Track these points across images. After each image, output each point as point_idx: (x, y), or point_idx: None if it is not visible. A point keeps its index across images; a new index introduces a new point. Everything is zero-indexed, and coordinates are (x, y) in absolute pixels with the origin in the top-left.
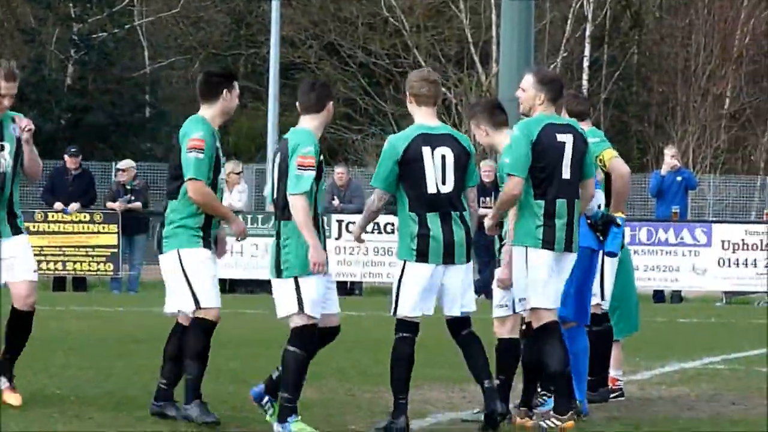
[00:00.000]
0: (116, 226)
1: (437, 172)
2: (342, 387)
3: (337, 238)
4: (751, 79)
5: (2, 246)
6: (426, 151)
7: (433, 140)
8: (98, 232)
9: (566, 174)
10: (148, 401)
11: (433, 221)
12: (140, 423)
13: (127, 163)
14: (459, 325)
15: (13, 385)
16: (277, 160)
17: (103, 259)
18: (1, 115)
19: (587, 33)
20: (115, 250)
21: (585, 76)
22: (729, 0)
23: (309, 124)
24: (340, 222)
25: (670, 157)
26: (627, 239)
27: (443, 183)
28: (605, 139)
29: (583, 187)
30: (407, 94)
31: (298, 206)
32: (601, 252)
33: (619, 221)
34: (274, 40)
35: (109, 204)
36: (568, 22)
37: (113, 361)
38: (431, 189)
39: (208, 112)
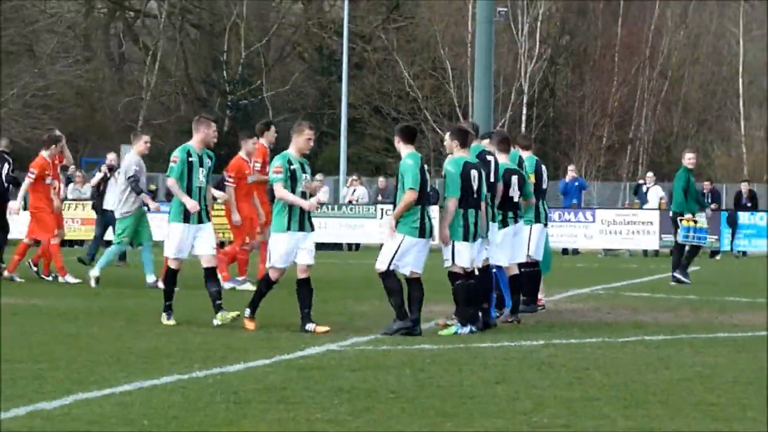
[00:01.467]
0: None
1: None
2: (383, 304)
3: (380, 218)
4: (618, 127)
5: (307, 238)
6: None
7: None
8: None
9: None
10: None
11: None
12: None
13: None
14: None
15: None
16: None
17: None
18: (307, 152)
19: (524, 100)
20: None
21: (523, 126)
22: (606, 81)
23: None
24: (382, 210)
25: (570, 171)
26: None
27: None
28: (533, 165)
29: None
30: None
31: None
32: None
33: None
34: (343, 104)
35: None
36: (513, 93)
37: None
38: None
39: (410, 149)
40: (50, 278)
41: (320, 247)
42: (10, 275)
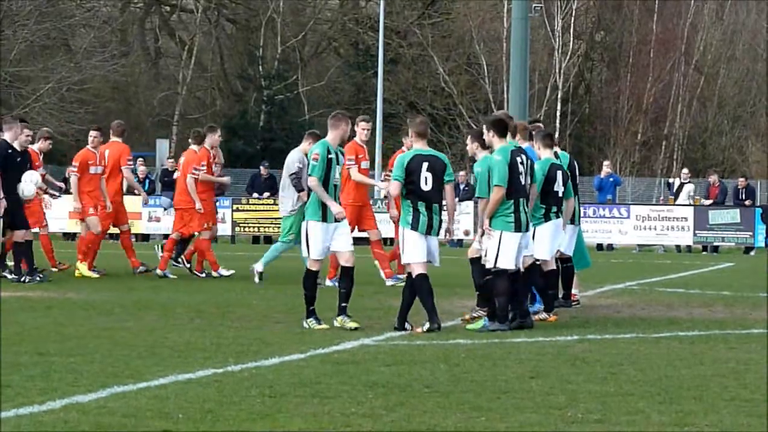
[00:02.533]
0: None
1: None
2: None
3: None
4: (653, 123)
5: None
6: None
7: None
8: (278, 209)
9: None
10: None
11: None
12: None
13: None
14: None
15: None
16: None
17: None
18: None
19: (559, 96)
20: None
21: (558, 122)
22: (641, 76)
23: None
24: None
25: (605, 166)
26: (582, 214)
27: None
28: (567, 161)
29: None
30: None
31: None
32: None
33: None
34: (379, 100)
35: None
36: (548, 89)
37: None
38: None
39: (502, 142)
40: (203, 275)
41: (355, 241)
42: (162, 272)
